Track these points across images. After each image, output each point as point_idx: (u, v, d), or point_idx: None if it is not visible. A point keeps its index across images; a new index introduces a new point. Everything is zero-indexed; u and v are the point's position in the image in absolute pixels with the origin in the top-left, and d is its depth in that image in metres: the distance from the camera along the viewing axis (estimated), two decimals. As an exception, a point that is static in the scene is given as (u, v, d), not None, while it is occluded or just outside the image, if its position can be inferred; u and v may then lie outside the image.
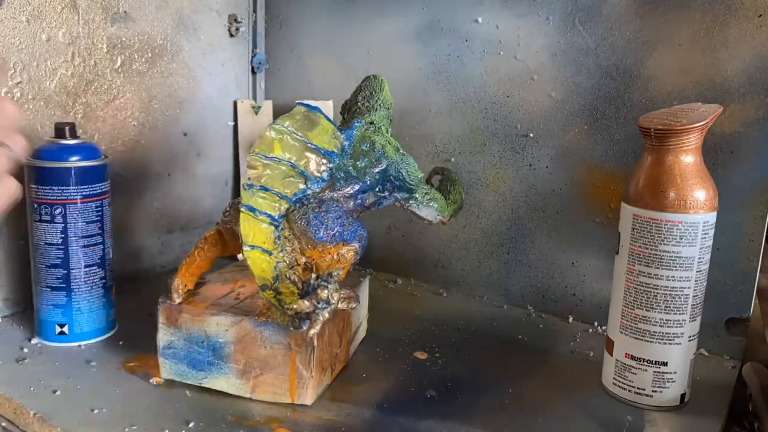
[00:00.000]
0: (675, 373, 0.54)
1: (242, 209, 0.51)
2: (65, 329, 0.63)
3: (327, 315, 0.49)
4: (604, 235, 0.71)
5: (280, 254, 0.52)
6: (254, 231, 0.51)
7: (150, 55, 0.81)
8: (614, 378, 0.57)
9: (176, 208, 0.88)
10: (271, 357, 0.53)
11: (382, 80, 0.62)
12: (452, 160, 0.81)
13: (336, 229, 0.53)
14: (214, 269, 0.61)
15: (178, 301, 0.54)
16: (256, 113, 0.93)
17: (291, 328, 0.51)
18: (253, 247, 0.50)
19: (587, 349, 0.67)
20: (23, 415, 0.51)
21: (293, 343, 0.52)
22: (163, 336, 0.55)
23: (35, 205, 0.63)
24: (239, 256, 0.66)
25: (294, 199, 0.53)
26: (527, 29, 0.73)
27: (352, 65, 0.87)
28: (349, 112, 0.62)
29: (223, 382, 0.54)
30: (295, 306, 0.49)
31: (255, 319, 0.53)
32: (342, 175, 0.55)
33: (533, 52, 0.73)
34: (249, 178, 0.51)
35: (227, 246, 0.58)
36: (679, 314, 0.53)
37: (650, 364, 0.54)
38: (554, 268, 0.76)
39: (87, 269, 0.63)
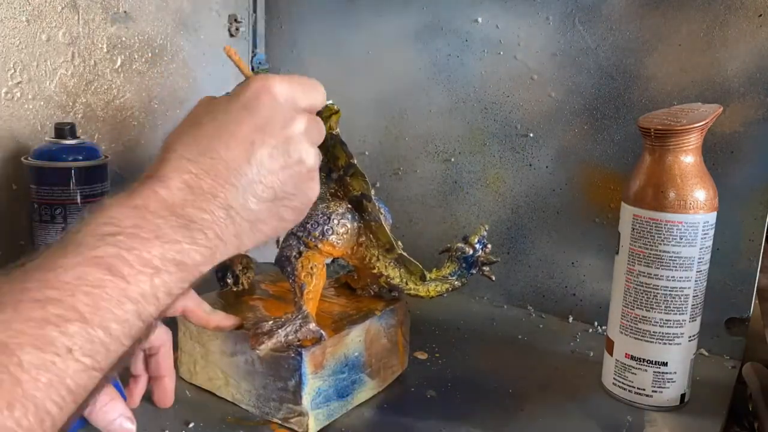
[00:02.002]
0: (675, 373, 0.54)
1: (380, 220, 0.53)
2: (65, 329, 0.63)
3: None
4: (604, 235, 0.71)
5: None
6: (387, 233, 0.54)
7: (150, 55, 0.81)
8: (614, 378, 0.57)
9: (176, 208, 0.88)
10: (389, 342, 0.56)
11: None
12: (452, 160, 0.81)
13: None
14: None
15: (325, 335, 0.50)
16: (256, 113, 0.93)
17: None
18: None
19: (587, 349, 0.67)
20: (23, 415, 0.51)
21: (397, 320, 0.57)
22: (312, 387, 0.49)
23: (35, 206, 0.63)
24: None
25: None
26: (527, 29, 0.73)
27: (352, 65, 0.87)
28: None
29: (366, 392, 0.54)
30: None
31: (375, 316, 0.54)
32: None
33: (533, 52, 0.73)
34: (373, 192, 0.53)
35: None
36: (679, 314, 0.53)
37: (650, 364, 0.54)
38: (554, 268, 0.76)
39: (87, 269, 0.63)
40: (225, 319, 0.51)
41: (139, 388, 0.50)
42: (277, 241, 0.54)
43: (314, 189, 0.40)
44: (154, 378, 0.50)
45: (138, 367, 0.50)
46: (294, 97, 0.39)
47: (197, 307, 0.49)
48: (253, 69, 0.97)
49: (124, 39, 0.78)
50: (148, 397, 0.54)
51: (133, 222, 0.32)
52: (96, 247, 0.30)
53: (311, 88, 0.41)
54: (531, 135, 0.75)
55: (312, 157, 0.39)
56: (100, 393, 0.31)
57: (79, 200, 0.63)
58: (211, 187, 0.35)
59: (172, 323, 0.54)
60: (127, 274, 0.31)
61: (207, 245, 0.34)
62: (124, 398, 0.47)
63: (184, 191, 0.34)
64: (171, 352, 0.50)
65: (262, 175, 0.37)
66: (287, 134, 0.38)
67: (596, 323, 0.73)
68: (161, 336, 0.48)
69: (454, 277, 0.56)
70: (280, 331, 0.48)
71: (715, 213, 0.53)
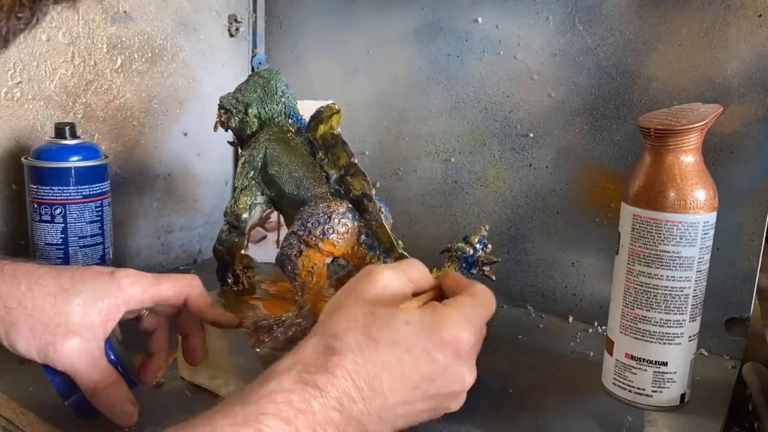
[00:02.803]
0: (675, 373, 0.54)
1: (381, 220, 0.53)
2: (65, 329, 0.63)
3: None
4: (604, 235, 0.71)
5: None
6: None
7: (150, 55, 0.81)
8: (614, 378, 0.57)
9: (176, 208, 0.88)
10: None
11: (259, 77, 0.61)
12: (452, 160, 0.81)
13: None
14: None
15: None
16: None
17: None
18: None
19: (587, 349, 0.67)
20: (23, 415, 0.51)
21: None
22: None
23: (35, 205, 0.63)
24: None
25: None
26: (527, 29, 0.73)
27: (352, 65, 0.87)
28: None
29: None
30: None
31: None
32: None
33: (533, 52, 0.73)
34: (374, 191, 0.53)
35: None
36: (679, 314, 0.53)
37: (650, 364, 0.54)
38: (554, 268, 0.76)
39: (87, 269, 0.63)
40: (223, 316, 0.51)
41: (153, 364, 0.51)
42: (278, 240, 0.54)
43: (436, 416, 0.40)
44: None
45: (152, 344, 0.50)
46: (478, 337, 0.39)
47: (199, 297, 0.49)
48: (253, 69, 0.98)
49: (124, 39, 0.78)
50: (149, 396, 0.54)
51: None
52: None
53: (491, 307, 0.41)
54: (531, 135, 0.75)
55: (458, 406, 0.40)
56: None
57: (79, 200, 0.63)
58: (360, 413, 0.35)
59: (173, 323, 0.54)
60: None
61: None
62: (130, 382, 0.47)
63: (334, 411, 0.34)
64: (167, 330, 0.52)
65: (408, 414, 0.37)
66: (453, 390, 0.38)
67: (596, 323, 0.73)
68: (152, 322, 0.50)
69: None
70: (280, 329, 0.48)
71: (715, 213, 0.53)
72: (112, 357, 0.46)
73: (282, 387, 0.34)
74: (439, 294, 0.42)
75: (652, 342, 0.54)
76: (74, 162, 0.63)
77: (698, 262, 0.52)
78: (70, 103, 0.73)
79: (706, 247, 0.53)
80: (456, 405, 0.39)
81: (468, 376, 0.38)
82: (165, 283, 0.47)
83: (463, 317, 0.38)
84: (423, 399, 0.37)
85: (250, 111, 0.59)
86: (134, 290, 0.45)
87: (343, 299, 0.38)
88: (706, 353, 0.66)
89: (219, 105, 0.61)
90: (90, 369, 0.43)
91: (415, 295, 0.41)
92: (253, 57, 0.95)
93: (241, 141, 0.61)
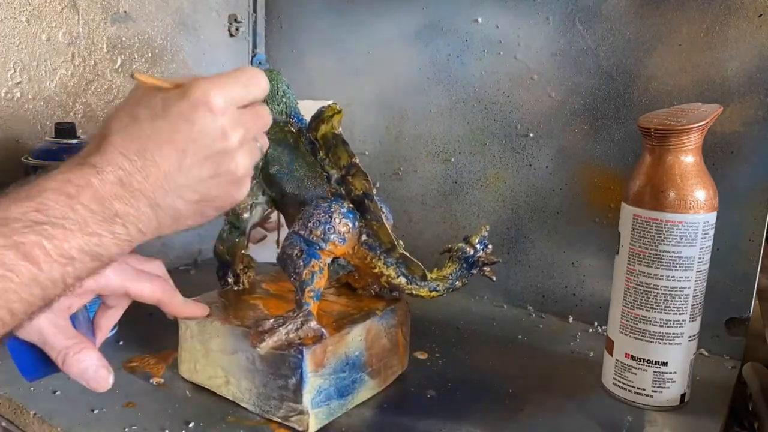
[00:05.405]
0: (675, 373, 0.54)
1: (382, 220, 0.53)
2: (65, 329, 0.63)
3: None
4: (604, 235, 0.71)
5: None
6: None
7: (150, 55, 0.81)
8: (614, 378, 0.57)
9: (176, 208, 0.88)
10: (389, 342, 0.56)
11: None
12: (452, 160, 0.81)
13: None
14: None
15: (326, 333, 0.50)
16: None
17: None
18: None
19: (587, 349, 0.67)
20: (23, 415, 0.51)
21: (398, 320, 0.57)
22: (312, 385, 0.49)
23: (35, 205, 0.63)
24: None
25: None
26: (527, 29, 0.73)
27: (352, 65, 0.87)
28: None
29: (366, 391, 0.54)
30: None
31: (376, 316, 0.55)
32: None
33: (533, 52, 0.73)
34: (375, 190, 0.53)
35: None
36: (679, 314, 0.53)
37: (650, 364, 0.54)
38: (554, 268, 0.76)
39: (87, 269, 0.63)
40: (196, 309, 0.51)
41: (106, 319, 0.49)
42: (278, 241, 0.54)
43: (241, 192, 0.42)
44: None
45: (102, 320, 0.48)
46: (233, 103, 0.40)
47: (172, 299, 0.48)
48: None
49: (124, 39, 0.78)
50: (148, 396, 0.54)
51: (62, 212, 0.34)
52: (21, 233, 0.33)
53: (251, 83, 0.41)
54: (531, 135, 0.75)
55: (243, 167, 0.41)
56: None
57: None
58: (142, 185, 0.37)
59: (172, 323, 0.54)
60: (42, 261, 0.33)
61: (126, 239, 0.37)
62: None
63: (116, 185, 0.36)
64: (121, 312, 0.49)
65: (191, 182, 0.39)
66: (220, 147, 0.39)
67: (596, 323, 0.73)
68: (121, 302, 0.48)
69: (455, 277, 0.56)
70: (281, 329, 0.48)
71: (715, 213, 0.53)
72: (80, 329, 0.44)
73: (59, 171, 0.36)
74: None
75: (652, 342, 0.54)
76: (74, 162, 0.63)
77: (698, 262, 0.52)
78: (70, 103, 0.73)
79: (706, 247, 0.53)
80: (239, 167, 0.40)
81: (231, 132, 0.39)
82: (144, 283, 0.46)
83: (212, 80, 0.39)
84: (197, 163, 0.38)
85: None
86: (112, 280, 0.45)
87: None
88: (706, 353, 0.66)
89: None
90: (57, 336, 0.43)
91: None
92: (253, 57, 0.95)
93: None
